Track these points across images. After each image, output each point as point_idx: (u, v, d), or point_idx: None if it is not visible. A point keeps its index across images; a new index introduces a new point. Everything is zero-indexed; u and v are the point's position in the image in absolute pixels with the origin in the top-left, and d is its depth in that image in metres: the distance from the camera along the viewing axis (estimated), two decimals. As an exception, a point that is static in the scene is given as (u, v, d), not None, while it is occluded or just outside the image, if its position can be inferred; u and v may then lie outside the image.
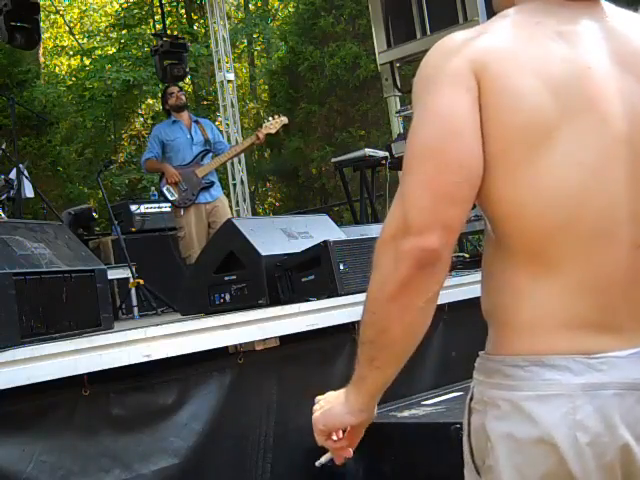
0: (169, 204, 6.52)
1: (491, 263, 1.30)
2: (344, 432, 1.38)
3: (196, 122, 6.47)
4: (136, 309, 6.00)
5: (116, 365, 2.74)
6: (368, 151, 7.21)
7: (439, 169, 1.18)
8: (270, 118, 6.53)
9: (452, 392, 3.67)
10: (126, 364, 2.77)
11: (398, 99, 9.28)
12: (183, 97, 6.58)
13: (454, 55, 1.22)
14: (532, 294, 1.22)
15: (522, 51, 1.22)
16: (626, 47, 1.26)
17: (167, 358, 2.90)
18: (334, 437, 1.38)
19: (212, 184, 6.32)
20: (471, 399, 1.31)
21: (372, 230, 4.67)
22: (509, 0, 1.33)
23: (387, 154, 6.91)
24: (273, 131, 6.46)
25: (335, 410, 1.35)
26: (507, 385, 1.23)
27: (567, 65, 1.21)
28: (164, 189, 6.19)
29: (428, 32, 8.73)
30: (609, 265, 1.21)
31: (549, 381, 1.19)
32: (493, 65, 1.20)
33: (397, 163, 6.96)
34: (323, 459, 1.47)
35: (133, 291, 5.94)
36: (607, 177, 1.20)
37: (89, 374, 2.70)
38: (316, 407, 1.40)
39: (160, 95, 8.18)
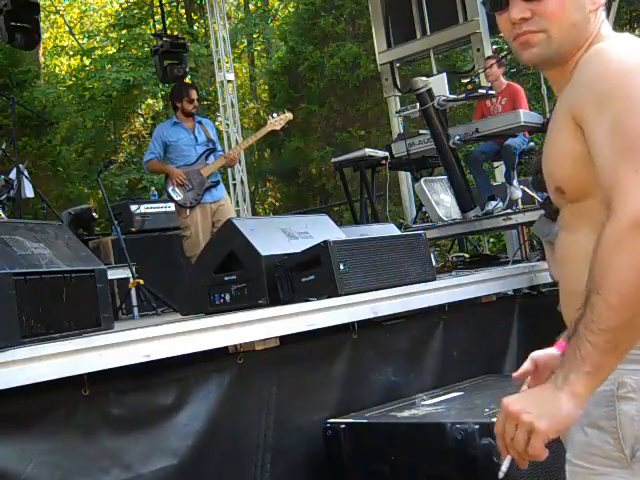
0: (170, 204, 6.49)
1: None
2: None
3: (199, 123, 6.47)
4: (136, 309, 6.00)
5: (116, 365, 2.74)
6: (368, 151, 7.21)
7: None
8: (274, 114, 6.51)
9: (452, 392, 3.67)
10: (126, 364, 2.76)
11: (398, 99, 9.29)
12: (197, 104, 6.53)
13: None
14: None
15: None
16: None
17: (167, 358, 2.90)
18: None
19: (217, 183, 6.33)
20: (619, 388, 1.35)
21: (372, 230, 4.67)
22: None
23: (387, 154, 6.91)
24: (278, 127, 6.45)
25: (565, 410, 1.27)
26: None
27: None
28: (170, 190, 6.19)
29: (428, 32, 8.75)
30: None
31: None
32: None
33: (397, 163, 6.96)
34: (505, 467, 1.36)
35: (133, 291, 5.93)
36: None
37: (89, 374, 2.70)
38: (526, 418, 1.29)
39: (161, 93, 8.15)
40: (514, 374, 1.62)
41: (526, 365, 1.61)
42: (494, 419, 3.17)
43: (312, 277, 3.61)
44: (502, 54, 7.91)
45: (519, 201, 6.06)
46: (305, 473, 3.38)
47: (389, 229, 4.84)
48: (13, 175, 6.41)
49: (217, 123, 12.29)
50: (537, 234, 5.10)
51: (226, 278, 3.75)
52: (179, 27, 17.50)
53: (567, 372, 1.28)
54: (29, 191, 6.69)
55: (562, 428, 1.29)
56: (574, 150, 1.38)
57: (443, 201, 6.79)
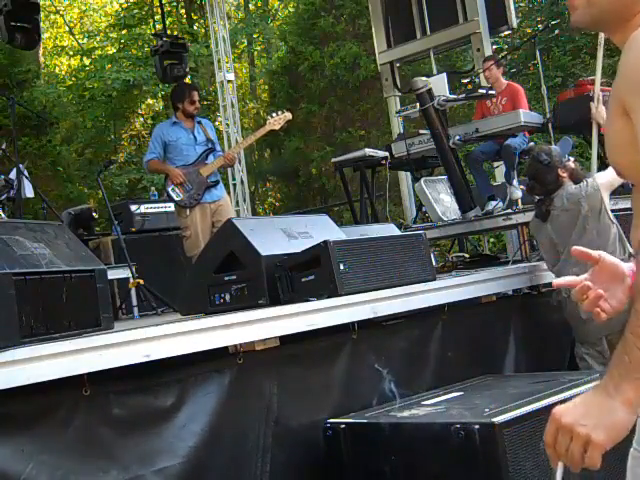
0: (170, 204, 6.47)
1: None
2: None
3: (199, 123, 6.47)
4: (136, 309, 6.00)
5: (116, 365, 2.74)
6: (368, 151, 7.21)
7: None
8: (274, 114, 6.50)
9: (452, 392, 3.67)
10: (126, 364, 2.76)
11: (398, 99, 9.29)
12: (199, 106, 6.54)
13: None
14: None
15: None
16: None
17: (167, 358, 2.90)
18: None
19: (217, 183, 6.32)
20: None
21: (372, 230, 4.67)
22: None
23: (387, 154, 6.91)
24: (277, 127, 6.45)
25: (620, 419, 1.25)
26: None
27: None
28: (169, 190, 6.19)
29: (428, 32, 8.75)
30: None
31: None
32: None
33: (397, 163, 6.96)
34: (559, 476, 1.35)
35: (133, 291, 5.94)
36: None
37: (89, 374, 2.70)
38: (582, 430, 1.27)
39: (161, 93, 8.14)
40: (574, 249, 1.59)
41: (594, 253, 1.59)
42: (494, 419, 3.16)
43: (312, 277, 3.61)
44: (501, 54, 7.91)
45: (519, 201, 6.06)
46: (305, 473, 3.38)
47: (389, 229, 4.84)
48: (13, 175, 6.41)
49: (217, 123, 12.30)
50: (533, 234, 5.12)
51: (226, 278, 3.75)
52: (179, 27, 17.50)
53: (618, 380, 1.25)
54: (29, 191, 6.70)
55: (618, 438, 1.26)
56: (623, 135, 1.36)
57: (443, 201, 6.79)
